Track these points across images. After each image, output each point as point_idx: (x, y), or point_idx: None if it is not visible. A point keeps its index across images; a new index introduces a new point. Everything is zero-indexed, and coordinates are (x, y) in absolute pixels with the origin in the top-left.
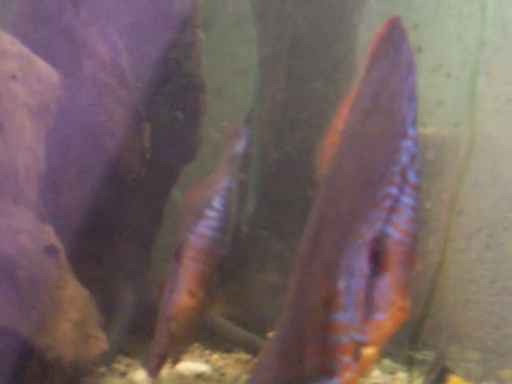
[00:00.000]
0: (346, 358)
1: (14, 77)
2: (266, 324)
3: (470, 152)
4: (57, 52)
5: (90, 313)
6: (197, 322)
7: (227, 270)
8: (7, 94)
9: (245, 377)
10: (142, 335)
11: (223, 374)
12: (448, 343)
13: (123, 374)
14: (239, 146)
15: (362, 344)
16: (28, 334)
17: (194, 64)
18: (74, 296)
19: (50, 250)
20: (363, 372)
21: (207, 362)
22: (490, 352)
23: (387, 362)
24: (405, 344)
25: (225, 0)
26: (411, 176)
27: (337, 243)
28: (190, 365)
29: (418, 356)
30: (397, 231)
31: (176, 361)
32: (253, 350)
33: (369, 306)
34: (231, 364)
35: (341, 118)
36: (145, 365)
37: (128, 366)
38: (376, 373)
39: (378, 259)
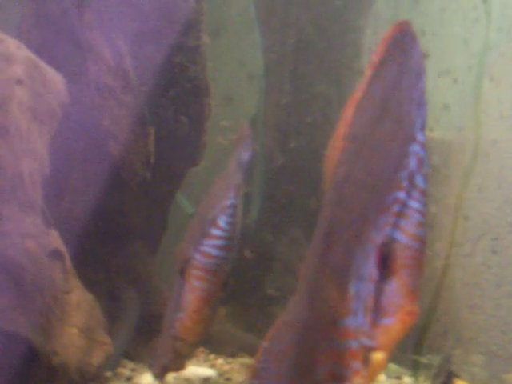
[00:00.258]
0: (356, 364)
1: (19, 81)
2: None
3: (475, 156)
4: (61, 56)
5: (95, 317)
6: (201, 338)
7: (230, 286)
8: (13, 98)
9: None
10: (147, 340)
11: (229, 379)
12: (453, 347)
13: (128, 379)
14: (246, 152)
15: (371, 349)
16: (33, 338)
17: (199, 68)
18: (80, 301)
19: (55, 255)
20: (373, 378)
21: (212, 366)
22: (494, 356)
23: (392, 366)
24: (410, 348)
25: (231, 6)
26: (419, 180)
27: (347, 249)
28: (195, 369)
29: (424, 360)
30: (404, 235)
31: (180, 369)
32: None
33: (377, 311)
34: (236, 368)
35: (344, 122)
36: (150, 366)
37: (133, 370)
38: (381, 377)
39: (385, 264)
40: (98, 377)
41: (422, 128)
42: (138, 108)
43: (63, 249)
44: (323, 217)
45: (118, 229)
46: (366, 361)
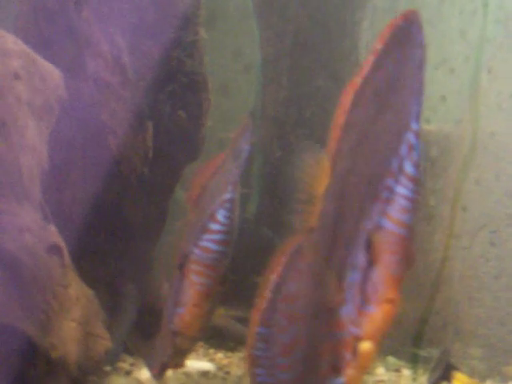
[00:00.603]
0: (348, 355)
1: (17, 76)
2: None
3: (473, 148)
4: (59, 51)
5: (93, 312)
6: (200, 333)
7: (229, 279)
8: (11, 93)
9: None
10: (146, 334)
11: (228, 373)
12: (452, 340)
13: (128, 373)
14: (245, 145)
15: (358, 338)
16: (32, 333)
17: (197, 63)
18: (78, 295)
19: (53, 250)
20: (363, 369)
21: (211, 360)
22: (494, 348)
23: (391, 359)
24: (409, 341)
25: None
26: (407, 166)
27: (346, 239)
28: (194, 363)
29: (422, 353)
30: (388, 221)
31: (179, 366)
32: None
33: (363, 299)
34: (235, 362)
35: (343, 110)
36: (148, 365)
37: (132, 365)
38: (380, 370)
39: (370, 250)
40: (97, 371)
41: (417, 117)
42: (137, 103)
43: (62, 243)
44: (325, 209)
45: (116, 223)
46: (355, 350)
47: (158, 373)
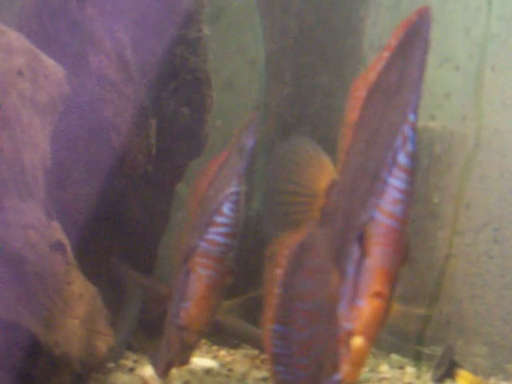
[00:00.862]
0: (343, 351)
1: (20, 73)
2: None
3: (477, 146)
4: (62, 48)
5: (97, 309)
6: (207, 327)
7: (236, 273)
8: (14, 89)
9: (253, 372)
10: (149, 331)
11: (231, 370)
12: (455, 338)
13: (131, 370)
14: (249, 139)
15: (350, 333)
16: (35, 330)
17: (200, 59)
18: (82, 292)
19: (57, 246)
20: (357, 365)
21: (215, 357)
22: (497, 346)
23: (395, 356)
24: (412, 339)
25: None
26: (401, 158)
27: (346, 236)
28: (198, 360)
29: (426, 351)
30: (380, 213)
31: (184, 363)
32: (260, 345)
33: (353, 293)
34: (238, 360)
35: (356, 105)
36: (153, 364)
37: (135, 361)
38: (384, 368)
39: (362, 243)
40: (100, 368)
41: (415, 109)
42: (140, 100)
43: (65, 240)
44: (336, 205)
45: (120, 221)
46: (348, 346)
47: (164, 371)
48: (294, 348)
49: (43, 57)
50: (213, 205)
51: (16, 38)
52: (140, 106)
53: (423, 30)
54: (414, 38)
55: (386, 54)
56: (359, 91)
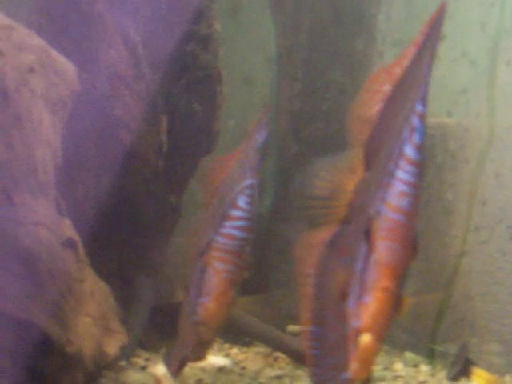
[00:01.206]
0: (352, 348)
1: (31, 70)
2: (286, 317)
3: (490, 142)
4: (72, 44)
5: (109, 307)
6: (224, 322)
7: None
8: (25, 86)
9: (266, 370)
10: (161, 329)
11: (244, 368)
12: (469, 335)
13: (143, 368)
14: (262, 133)
15: (358, 331)
16: (48, 328)
17: (211, 56)
18: (93, 290)
19: (68, 244)
20: (366, 363)
21: (227, 355)
22: (510, 344)
23: (409, 354)
24: (426, 336)
25: None
26: (408, 150)
27: (356, 232)
28: (210, 358)
29: (440, 349)
30: (386, 207)
31: (200, 358)
32: (273, 343)
33: (360, 289)
34: (251, 357)
35: (379, 99)
36: (166, 363)
37: (147, 360)
38: (398, 365)
39: (369, 238)
40: (112, 366)
41: (423, 99)
42: (150, 97)
43: (76, 238)
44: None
45: (131, 218)
46: (356, 343)
47: (177, 369)
48: (330, 349)
49: (54, 53)
50: (227, 199)
51: (27, 35)
52: (151, 102)
53: (438, 23)
54: (434, 32)
55: (412, 50)
56: (378, 85)
